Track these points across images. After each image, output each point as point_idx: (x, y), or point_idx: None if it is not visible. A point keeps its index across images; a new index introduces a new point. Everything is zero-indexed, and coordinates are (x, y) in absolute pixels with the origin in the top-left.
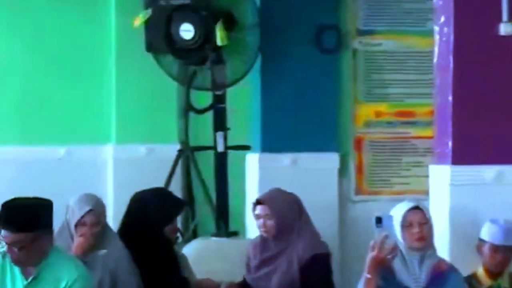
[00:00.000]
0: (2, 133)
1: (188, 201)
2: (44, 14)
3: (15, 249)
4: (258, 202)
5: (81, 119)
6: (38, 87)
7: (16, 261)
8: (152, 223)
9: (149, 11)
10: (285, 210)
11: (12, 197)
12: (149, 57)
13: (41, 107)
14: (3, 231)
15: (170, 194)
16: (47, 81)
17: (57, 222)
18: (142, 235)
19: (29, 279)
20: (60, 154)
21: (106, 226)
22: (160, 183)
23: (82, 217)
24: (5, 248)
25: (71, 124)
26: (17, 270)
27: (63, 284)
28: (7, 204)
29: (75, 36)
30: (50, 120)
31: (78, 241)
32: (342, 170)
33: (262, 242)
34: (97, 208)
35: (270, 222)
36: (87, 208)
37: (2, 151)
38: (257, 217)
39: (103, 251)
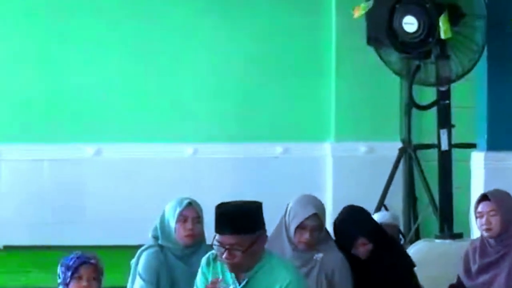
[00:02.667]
0: (220, 131)
1: (412, 201)
2: (263, 13)
3: (238, 253)
4: (482, 198)
5: (299, 116)
6: (257, 87)
7: (235, 266)
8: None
9: (370, 3)
10: (510, 209)
11: (236, 192)
12: (370, 51)
13: (260, 105)
14: (217, 235)
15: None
16: (266, 79)
17: (273, 221)
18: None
19: (242, 284)
20: (278, 151)
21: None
22: (380, 182)
23: (307, 219)
24: (216, 252)
25: (289, 122)
26: (228, 274)
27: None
28: (221, 207)
29: (294, 33)
30: (268, 117)
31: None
32: None
33: (482, 246)
34: (320, 212)
35: (494, 219)
36: (312, 211)
37: (218, 148)
38: (479, 214)
39: (320, 255)
